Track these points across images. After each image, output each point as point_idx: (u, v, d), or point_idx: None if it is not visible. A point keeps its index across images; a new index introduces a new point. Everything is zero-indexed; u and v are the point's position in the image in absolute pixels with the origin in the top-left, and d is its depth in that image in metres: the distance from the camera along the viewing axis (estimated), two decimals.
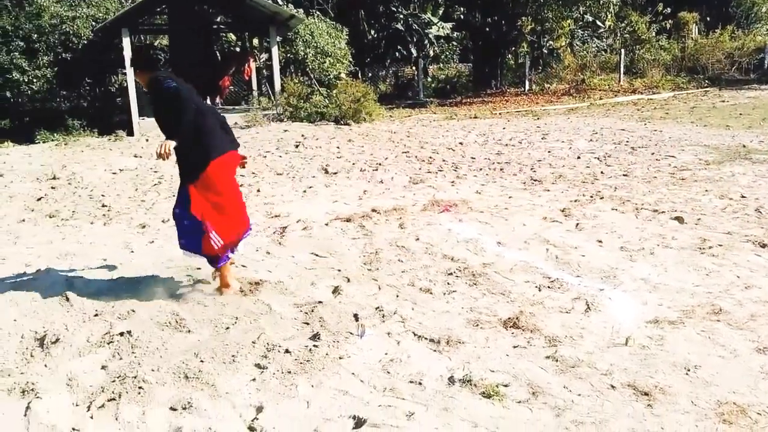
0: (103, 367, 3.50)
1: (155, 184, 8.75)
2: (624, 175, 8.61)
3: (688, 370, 3.40)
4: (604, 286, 4.64)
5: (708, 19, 30.24)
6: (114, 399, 3.17)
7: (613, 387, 3.26)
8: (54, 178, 9.18)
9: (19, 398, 3.21)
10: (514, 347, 3.72)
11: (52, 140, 13.45)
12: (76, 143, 13.07)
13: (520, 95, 23.30)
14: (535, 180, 8.47)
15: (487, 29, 24.73)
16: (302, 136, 13.17)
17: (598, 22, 28.53)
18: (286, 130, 14.01)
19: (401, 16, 24.05)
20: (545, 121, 15.43)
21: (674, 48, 27.53)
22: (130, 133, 14.18)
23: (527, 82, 25.17)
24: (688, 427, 2.91)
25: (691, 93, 21.88)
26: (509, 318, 4.08)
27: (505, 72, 26.38)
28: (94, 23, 15.12)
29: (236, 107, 17.63)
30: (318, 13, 20.51)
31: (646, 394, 3.18)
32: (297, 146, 11.88)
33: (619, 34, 29.05)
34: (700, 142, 11.21)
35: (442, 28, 25.81)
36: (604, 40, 29.70)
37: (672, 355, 3.58)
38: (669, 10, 28.05)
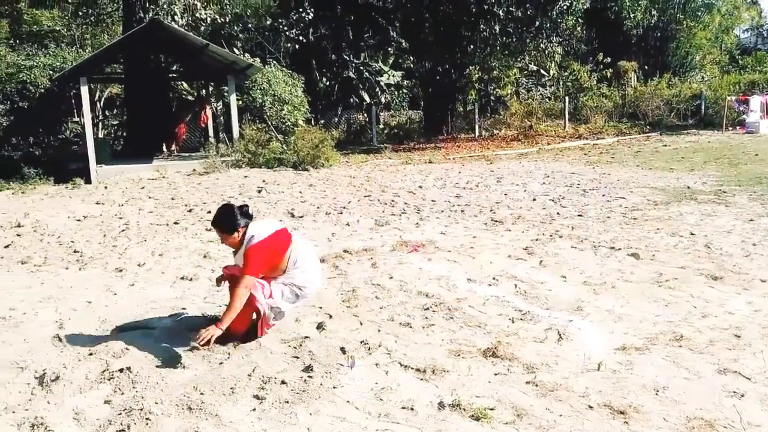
0: (106, 402, 3.59)
1: (123, 230, 8.77)
2: (579, 215, 9.07)
3: (658, 391, 3.70)
4: (573, 317, 4.96)
5: (646, 67, 31.90)
6: (123, 430, 3.28)
7: (590, 407, 3.53)
8: (18, 225, 9.10)
9: None
10: (495, 374, 3.97)
11: (8, 188, 13.29)
12: (33, 191, 12.94)
13: (471, 141, 24.00)
14: (495, 221, 8.84)
15: (437, 77, 25.57)
16: (263, 181, 13.34)
17: (542, 71, 29.88)
18: (246, 176, 14.16)
19: (353, 64, 24.73)
20: (498, 166, 15.99)
21: (615, 95, 28.90)
22: (88, 181, 14.09)
23: (477, 128, 25.98)
24: None
25: (634, 138, 22.93)
26: (488, 348, 4.33)
27: (455, 118, 27.18)
28: (51, 72, 15.14)
29: (193, 154, 17.71)
30: (274, 62, 20.95)
31: (621, 412, 3.46)
32: (260, 191, 12.04)
33: (562, 83, 30.44)
34: (647, 184, 11.84)
35: (393, 76, 26.63)
36: (548, 88, 31.04)
37: (641, 377, 3.88)
38: (609, 59, 29.56)
